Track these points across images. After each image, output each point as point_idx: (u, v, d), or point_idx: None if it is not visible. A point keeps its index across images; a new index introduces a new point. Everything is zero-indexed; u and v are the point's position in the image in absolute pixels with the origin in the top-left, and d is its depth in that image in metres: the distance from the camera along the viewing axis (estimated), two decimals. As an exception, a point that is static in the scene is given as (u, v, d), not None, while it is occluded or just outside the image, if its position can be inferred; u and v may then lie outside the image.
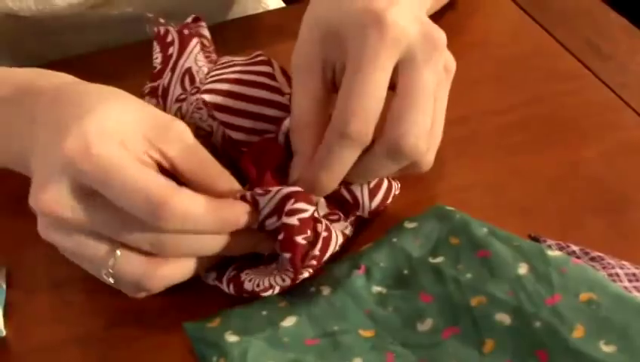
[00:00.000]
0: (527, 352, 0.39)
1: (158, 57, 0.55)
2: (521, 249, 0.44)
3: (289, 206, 0.42)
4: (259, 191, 0.43)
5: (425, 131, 0.43)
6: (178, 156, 0.42)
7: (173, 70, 0.53)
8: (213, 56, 0.53)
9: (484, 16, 0.69)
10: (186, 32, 0.52)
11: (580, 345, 0.38)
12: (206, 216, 0.41)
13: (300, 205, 0.42)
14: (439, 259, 0.45)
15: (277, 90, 0.48)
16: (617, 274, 0.44)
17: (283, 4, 0.94)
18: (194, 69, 0.52)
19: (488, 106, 0.60)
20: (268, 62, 0.49)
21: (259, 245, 0.45)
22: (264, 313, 0.43)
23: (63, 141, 0.40)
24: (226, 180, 0.43)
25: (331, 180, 0.44)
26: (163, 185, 0.40)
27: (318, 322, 0.42)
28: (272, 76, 0.49)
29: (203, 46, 0.52)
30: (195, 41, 0.52)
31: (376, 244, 0.46)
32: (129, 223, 0.41)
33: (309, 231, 0.42)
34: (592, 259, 0.46)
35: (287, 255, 0.42)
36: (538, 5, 0.70)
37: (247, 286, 0.43)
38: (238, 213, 0.43)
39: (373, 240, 0.47)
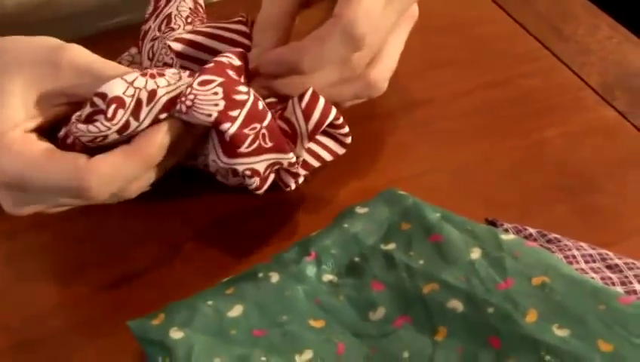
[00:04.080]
0: (480, 339, 0.38)
1: (150, 8, 0.56)
2: (474, 233, 0.42)
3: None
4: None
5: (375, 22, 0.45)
6: (71, 86, 0.43)
7: (157, 16, 0.54)
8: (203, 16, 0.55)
9: (444, -2, 0.68)
10: None
11: (533, 330, 0.37)
12: (129, 167, 0.42)
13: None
14: (391, 246, 0.43)
15: (245, 48, 0.48)
16: (574, 256, 0.43)
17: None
18: (173, 14, 0.53)
19: (449, 89, 0.59)
20: (244, 22, 0.50)
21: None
22: (210, 303, 0.41)
23: None
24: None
25: (312, 67, 0.45)
26: (70, 167, 0.42)
27: (267, 311, 0.41)
28: (245, 34, 0.49)
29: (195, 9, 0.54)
30: None
31: (327, 230, 0.45)
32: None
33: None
34: (549, 241, 0.45)
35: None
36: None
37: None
38: (163, 139, 0.43)
39: (324, 225, 0.46)
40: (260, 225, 0.49)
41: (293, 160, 0.45)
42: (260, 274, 0.42)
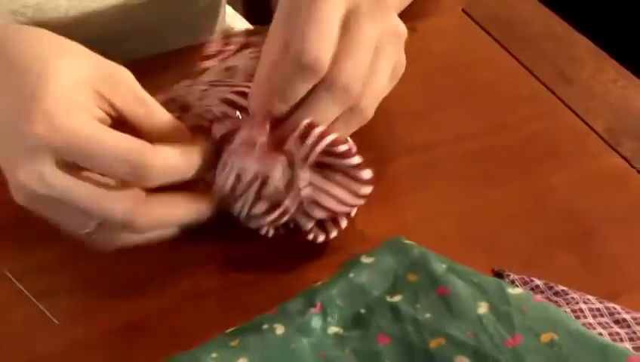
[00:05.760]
0: (488, 396, 0.38)
1: (212, 47, 0.58)
2: (481, 286, 0.42)
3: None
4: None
5: (360, 72, 0.45)
6: (126, 107, 0.45)
7: (222, 60, 0.56)
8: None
9: (448, 40, 0.68)
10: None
11: (541, 390, 0.37)
12: (184, 163, 0.45)
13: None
14: (397, 298, 0.43)
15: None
16: (581, 310, 0.43)
17: (248, 25, 0.93)
18: (239, 67, 0.54)
19: (453, 133, 0.59)
20: None
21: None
22: (214, 355, 0.41)
23: (30, 124, 0.42)
24: (173, 124, 0.46)
25: (283, 106, 0.46)
26: (138, 145, 0.43)
27: (272, 365, 0.41)
28: None
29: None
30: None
31: (332, 280, 0.45)
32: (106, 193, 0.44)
33: None
34: (556, 293, 0.45)
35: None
36: (503, 29, 0.69)
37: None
38: (207, 150, 0.46)
39: (330, 272, 0.46)
40: (265, 273, 0.48)
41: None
42: (265, 326, 0.42)
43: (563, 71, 0.64)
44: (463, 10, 0.71)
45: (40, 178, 0.42)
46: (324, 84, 0.45)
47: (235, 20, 0.91)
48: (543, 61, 0.65)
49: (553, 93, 0.62)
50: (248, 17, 0.99)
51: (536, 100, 0.62)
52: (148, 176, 0.43)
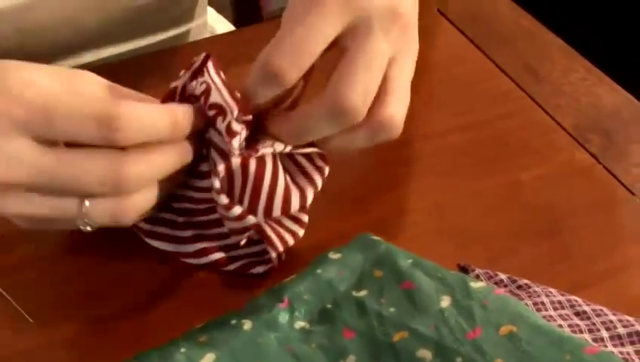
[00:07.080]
0: (449, 388, 0.39)
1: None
2: (445, 280, 0.43)
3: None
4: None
5: (367, 91, 0.43)
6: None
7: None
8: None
9: (422, 39, 0.69)
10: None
11: (499, 381, 0.38)
12: (159, 118, 0.42)
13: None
14: (363, 293, 0.44)
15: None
16: (543, 303, 0.44)
17: (232, 28, 0.93)
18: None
19: (426, 130, 0.60)
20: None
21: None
22: (182, 350, 0.42)
23: None
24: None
25: (303, 141, 0.45)
26: (107, 100, 0.41)
27: (239, 360, 0.41)
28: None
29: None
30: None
31: (301, 276, 0.46)
32: (89, 165, 0.41)
33: None
34: (519, 287, 0.46)
35: None
36: (477, 28, 0.70)
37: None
38: (187, 111, 0.44)
39: (297, 270, 0.47)
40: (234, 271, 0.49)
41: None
42: (233, 321, 0.43)
43: (534, 69, 0.65)
44: (438, 10, 0.72)
45: (11, 162, 0.40)
46: (324, 108, 0.43)
47: (217, 22, 0.92)
48: (515, 60, 0.66)
49: (524, 90, 0.63)
50: (237, 17, 1.00)
51: (508, 98, 0.63)
52: (119, 128, 0.40)
